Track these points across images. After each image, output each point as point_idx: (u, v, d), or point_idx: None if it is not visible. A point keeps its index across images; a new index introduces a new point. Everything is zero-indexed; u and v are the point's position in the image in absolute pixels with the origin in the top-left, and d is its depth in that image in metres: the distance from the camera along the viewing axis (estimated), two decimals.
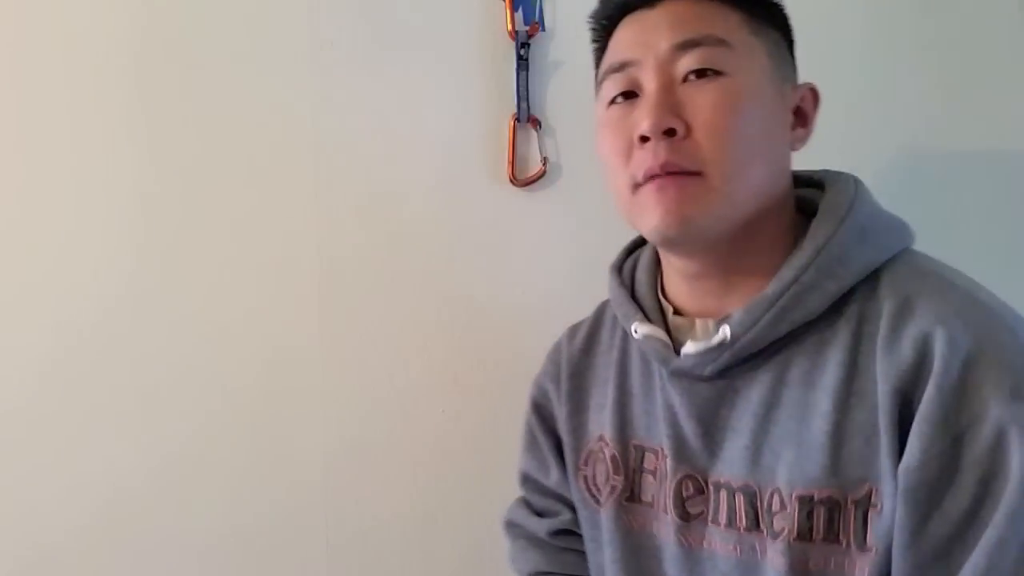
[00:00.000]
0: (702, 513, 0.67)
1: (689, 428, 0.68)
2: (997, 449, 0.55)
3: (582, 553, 0.81)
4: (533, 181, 1.05)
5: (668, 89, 0.64)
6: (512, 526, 0.87)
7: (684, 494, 0.68)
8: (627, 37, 0.68)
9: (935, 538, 0.56)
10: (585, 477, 0.78)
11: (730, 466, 0.66)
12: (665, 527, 0.70)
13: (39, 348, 1.05)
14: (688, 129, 0.63)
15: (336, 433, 1.07)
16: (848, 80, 0.94)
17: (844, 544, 0.60)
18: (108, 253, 1.05)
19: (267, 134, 1.05)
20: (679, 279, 0.71)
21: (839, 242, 0.63)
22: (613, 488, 0.74)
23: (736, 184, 0.63)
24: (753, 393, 0.65)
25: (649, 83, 0.65)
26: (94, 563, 1.07)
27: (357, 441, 1.08)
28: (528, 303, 1.07)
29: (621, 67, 0.67)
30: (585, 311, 1.07)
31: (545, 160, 1.05)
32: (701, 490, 0.67)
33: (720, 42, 0.64)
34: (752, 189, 0.64)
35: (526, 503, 0.87)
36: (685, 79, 0.64)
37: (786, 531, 0.61)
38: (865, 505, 0.59)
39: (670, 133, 0.63)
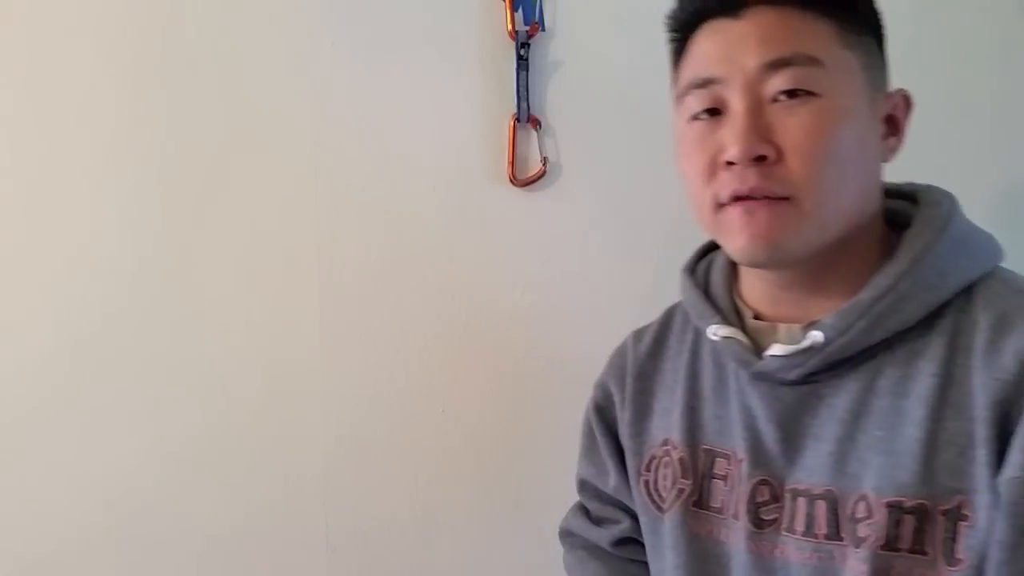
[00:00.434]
0: (776, 520, 0.66)
1: (768, 433, 0.66)
2: None
3: (644, 564, 0.78)
4: (533, 181, 1.05)
5: (756, 111, 0.61)
6: (569, 535, 0.86)
7: (759, 500, 0.66)
8: (711, 51, 0.64)
9: None
10: (647, 483, 0.76)
11: (810, 473, 0.64)
12: (735, 534, 0.68)
13: (41, 351, 1.05)
14: (779, 153, 0.60)
15: (336, 433, 1.07)
16: None
17: (931, 556, 0.59)
18: (108, 253, 1.05)
19: (267, 134, 1.04)
20: (761, 286, 0.70)
21: (938, 254, 0.62)
22: (680, 492, 0.72)
23: (828, 209, 0.61)
24: (838, 400, 0.64)
25: (736, 103, 0.62)
26: (95, 563, 1.07)
27: (357, 441, 1.08)
28: (528, 303, 1.07)
29: (705, 84, 0.64)
30: (585, 311, 1.07)
31: (545, 160, 1.05)
32: (777, 497, 0.66)
33: (812, 60, 0.60)
34: (844, 211, 0.63)
35: (584, 511, 0.86)
36: (775, 99, 0.61)
37: (872, 538, 0.60)
38: (955, 516, 0.58)
39: (760, 159, 0.61)
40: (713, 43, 0.64)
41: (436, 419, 1.07)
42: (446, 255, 1.06)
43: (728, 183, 0.62)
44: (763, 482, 0.66)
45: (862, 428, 0.62)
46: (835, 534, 0.62)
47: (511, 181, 1.05)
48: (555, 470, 1.07)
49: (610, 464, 0.81)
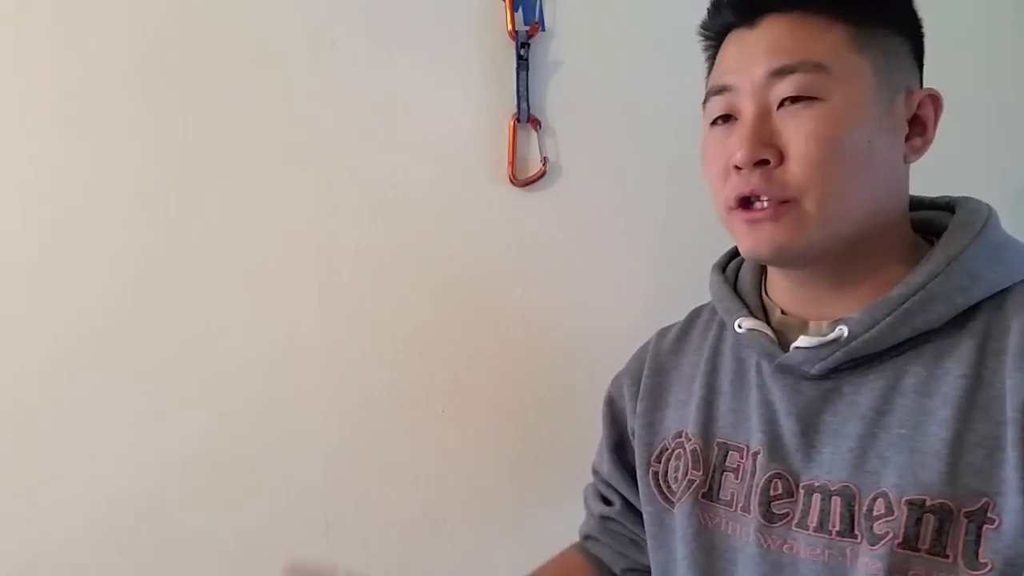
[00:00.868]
0: (788, 515, 0.66)
1: (788, 426, 0.67)
2: None
3: (628, 537, 0.85)
4: (533, 181, 1.05)
5: (763, 118, 0.64)
6: (585, 499, 0.92)
7: (772, 493, 0.67)
8: (728, 59, 0.68)
9: None
10: (655, 474, 0.77)
11: (828, 469, 0.64)
12: (744, 527, 0.68)
13: (42, 354, 1.05)
14: (782, 158, 0.63)
15: (336, 433, 1.07)
16: None
17: (951, 558, 0.58)
18: (108, 254, 1.04)
19: (268, 134, 1.04)
20: (785, 284, 0.71)
21: (972, 256, 0.63)
22: (691, 483, 0.73)
23: (831, 209, 0.63)
24: (861, 398, 0.64)
25: (746, 110, 0.65)
26: (96, 563, 1.07)
27: (357, 441, 1.08)
28: (528, 303, 1.07)
29: (721, 91, 0.67)
30: (585, 310, 1.07)
31: (545, 160, 1.05)
32: (790, 492, 0.66)
33: (816, 67, 0.62)
34: (851, 212, 0.63)
35: (595, 486, 0.90)
36: (781, 105, 0.63)
37: (890, 536, 0.60)
38: (980, 519, 0.58)
39: (763, 163, 0.63)
40: (731, 52, 0.67)
41: (436, 419, 1.07)
42: (446, 255, 1.06)
43: (735, 187, 0.65)
44: (777, 476, 0.67)
45: (884, 426, 0.62)
46: (849, 531, 0.62)
47: (511, 181, 1.05)
48: (555, 470, 1.08)
49: (606, 452, 0.85)
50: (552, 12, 1.04)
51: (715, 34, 0.70)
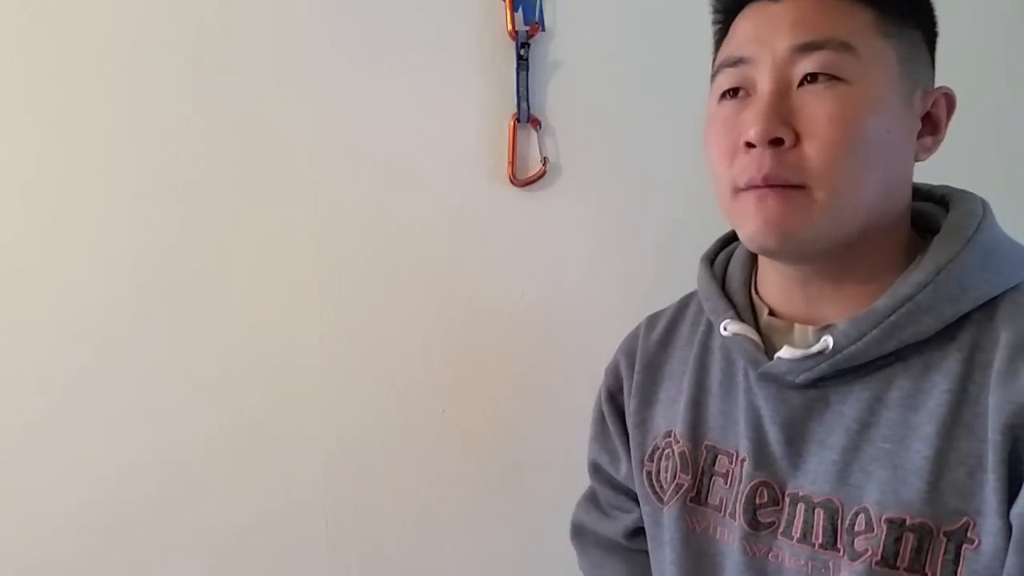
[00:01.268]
0: (773, 524, 0.65)
1: (773, 435, 0.65)
2: None
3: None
4: (533, 181, 1.05)
5: (782, 94, 0.60)
6: (580, 533, 0.86)
7: (757, 501, 0.65)
8: (746, 31, 0.63)
9: None
10: (649, 473, 0.75)
11: (812, 480, 0.63)
12: (730, 533, 0.67)
13: (44, 355, 1.05)
14: (797, 139, 0.59)
15: (336, 433, 1.07)
16: None
17: None
18: (108, 255, 1.04)
19: (268, 134, 1.04)
20: (778, 281, 0.68)
21: (961, 264, 0.60)
22: (679, 487, 0.71)
23: (843, 200, 0.60)
24: (846, 408, 0.62)
25: (763, 85, 0.61)
26: (96, 563, 1.07)
27: (357, 441, 1.08)
28: (528, 303, 1.07)
29: (736, 63, 0.63)
30: (585, 311, 1.07)
31: (545, 160, 1.05)
32: (776, 500, 0.65)
33: (844, 46, 0.59)
34: (862, 205, 0.61)
35: (594, 501, 0.85)
36: (801, 83, 0.60)
37: (869, 553, 0.59)
38: (959, 539, 0.57)
39: (777, 143, 0.59)
40: (751, 23, 0.63)
41: (436, 419, 1.07)
42: (446, 255, 1.06)
43: (745, 169, 0.61)
44: (763, 484, 0.66)
45: (869, 439, 0.61)
46: (831, 544, 0.61)
47: (511, 181, 1.05)
48: (555, 470, 1.08)
49: (621, 451, 0.80)
50: (552, 12, 1.04)
51: (727, 6, 0.66)
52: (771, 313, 0.69)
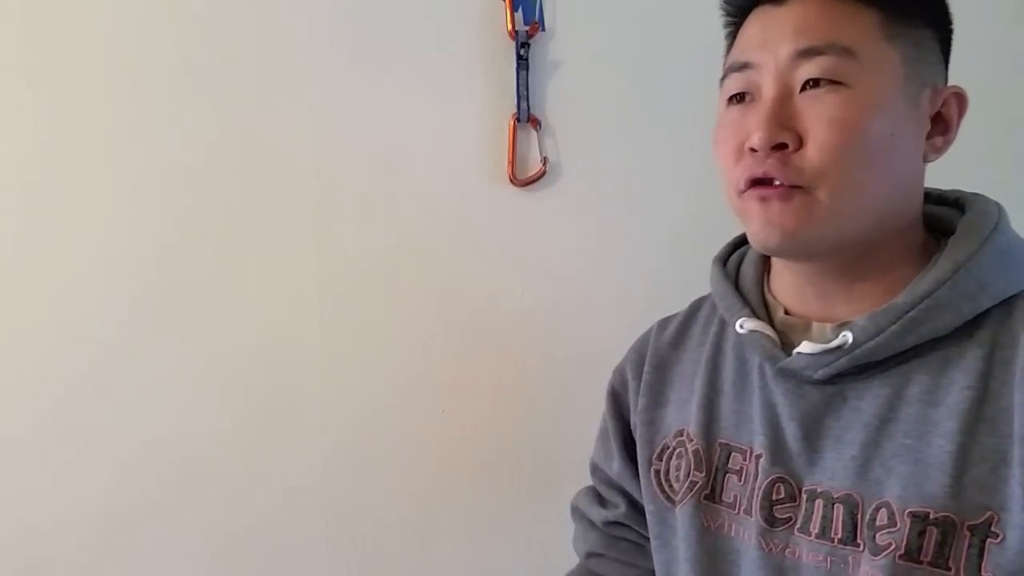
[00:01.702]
0: (790, 520, 0.65)
1: (790, 430, 0.66)
2: None
3: (635, 543, 0.83)
4: (533, 181, 1.05)
5: (785, 99, 0.61)
6: (575, 511, 0.89)
7: (774, 497, 0.66)
8: (752, 36, 0.65)
9: None
10: (657, 472, 0.76)
11: (831, 475, 0.63)
12: (746, 530, 0.68)
13: (43, 356, 1.05)
14: (800, 142, 0.61)
15: (336, 433, 1.07)
16: None
17: (953, 571, 0.58)
18: (108, 254, 1.04)
19: (267, 134, 1.04)
20: (790, 279, 0.69)
21: (979, 262, 0.61)
22: (693, 484, 0.72)
23: (845, 202, 0.61)
24: (865, 404, 0.63)
25: (767, 90, 0.62)
26: (97, 563, 1.07)
27: (357, 441, 1.08)
28: (528, 303, 1.07)
29: (742, 68, 0.64)
30: (584, 310, 1.07)
31: (545, 160, 1.05)
32: (793, 496, 0.65)
33: (844, 51, 0.60)
34: (866, 206, 0.62)
35: (593, 490, 0.88)
36: (804, 88, 0.61)
37: (892, 547, 0.59)
38: (984, 533, 0.57)
39: (780, 147, 0.61)
40: (756, 28, 0.65)
41: (436, 419, 1.07)
42: (446, 255, 1.06)
43: (747, 168, 0.62)
44: (780, 480, 0.66)
45: (889, 434, 0.62)
46: (851, 539, 0.62)
47: (511, 181, 1.05)
48: (555, 470, 1.08)
49: (615, 449, 0.82)
50: (552, 12, 1.04)
51: (738, 9, 0.67)
52: (786, 312, 0.70)
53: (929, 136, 0.64)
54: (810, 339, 0.65)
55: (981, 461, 0.58)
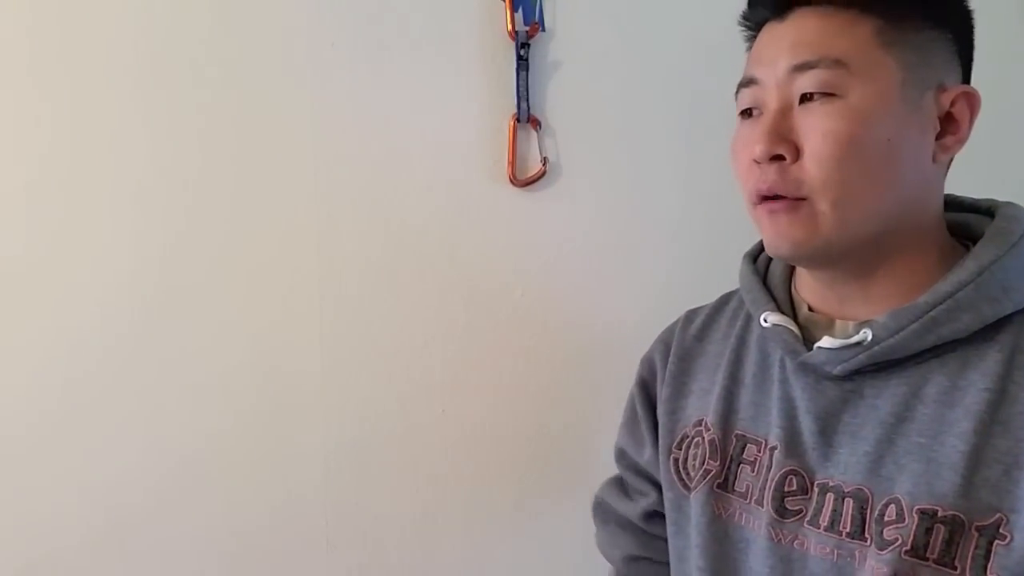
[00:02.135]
0: (801, 512, 0.66)
1: (806, 424, 0.67)
2: None
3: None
4: (533, 181, 1.05)
5: (784, 113, 0.64)
6: (602, 509, 0.88)
7: (786, 489, 0.67)
8: (758, 52, 0.67)
9: None
10: (676, 460, 0.77)
11: (844, 470, 0.64)
12: (756, 520, 0.69)
13: (42, 357, 1.04)
14: (798, 154, 0.63)
15: (336, 433, 1.07)
16: None
17: (959, 570, 0.58)
18: (108, 255, 1.04)
19: (267, 134, 1.04)
20: (810, 281, 0.71)
21: (1004, 266, 0.62)
22: (707, 472, 0.73)
23: (846, 210, 0.62)
24: (881, 402, 0.64)
25: (769, 104, 0.65)
26: (97, 563, 1.07)
27: (357, 441, 1.08)
28: (528, 303, 1.07)
29: (749, 83, 0.67)
30: (584, 310, 1.07)
31: (545, 160, 1.05)
32: (804, 489, 0.66)
33: (836, 63, 0.61)
34: (870, 212, 0.63)
35: (619, 483, 0.88)
36: (802, 101, 0.63)
37: (899, 542, 0.60)
38: (991, 534, 0.57)
39: (779, 159, 0.63)
40: (762, 45, 0.67)
41: (436, 419, 1.07)
42: (446, 255, 1.06)
43: (755, 182, 0.65)
44: (793, 472, 0.67)
45: (903, 432, 0.62)
46: (859, 533, 0.62)
47: (511, 181, 1.05)
48: (555, 470, 1.08)
49: (648, 438, 0.83)
50: (552, 12, 1.04)
51: (755, 24, 0.69)
52: (810, 309, 0.71)
53: (940, 136, 0.64)
54: (832, 336, 0.66)
55: (994, 463, 0.58)
